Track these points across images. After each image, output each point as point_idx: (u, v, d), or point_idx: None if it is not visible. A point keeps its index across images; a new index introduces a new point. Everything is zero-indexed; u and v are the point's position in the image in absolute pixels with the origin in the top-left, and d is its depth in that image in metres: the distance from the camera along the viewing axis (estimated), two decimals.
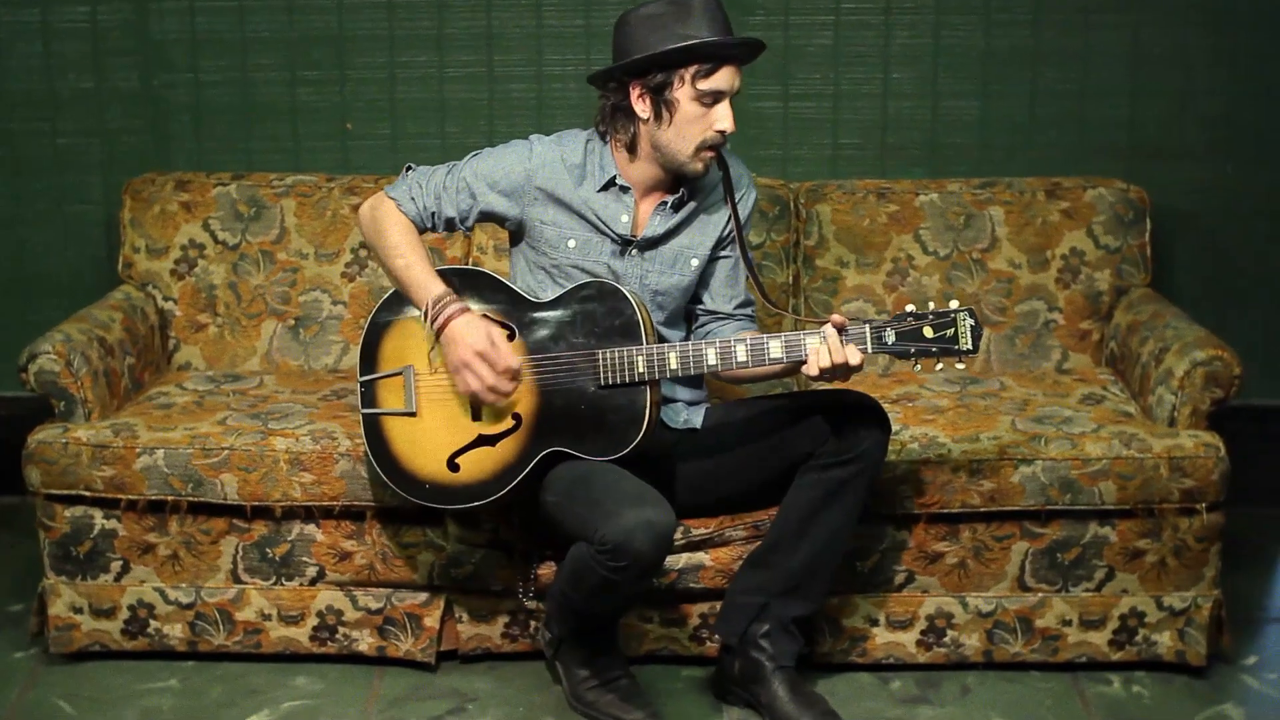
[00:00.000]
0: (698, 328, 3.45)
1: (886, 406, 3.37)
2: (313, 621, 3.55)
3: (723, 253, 3.39)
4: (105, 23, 4.21)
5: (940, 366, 3.12)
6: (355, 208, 3.97)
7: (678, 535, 3.35)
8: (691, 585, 3.46)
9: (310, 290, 4.02)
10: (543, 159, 3.31)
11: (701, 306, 3.43)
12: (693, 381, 3.42)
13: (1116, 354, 3.90)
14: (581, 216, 3.30)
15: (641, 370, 3.18)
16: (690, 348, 3.18)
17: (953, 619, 3.52)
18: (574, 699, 3.37)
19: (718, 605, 3.43)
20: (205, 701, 3.46)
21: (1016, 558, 3.49)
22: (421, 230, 3.33)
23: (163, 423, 3.57)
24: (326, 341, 4.03)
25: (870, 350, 3.11)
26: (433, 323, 3.23)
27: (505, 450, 3.26)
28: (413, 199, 3.32)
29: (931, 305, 3.15)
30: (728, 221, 3.36)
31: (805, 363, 3.12)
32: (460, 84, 4.23)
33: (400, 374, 3.32)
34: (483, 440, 3.27)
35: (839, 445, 3.23)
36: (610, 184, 3.30)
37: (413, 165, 3.38)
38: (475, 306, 3.28)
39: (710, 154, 3.23)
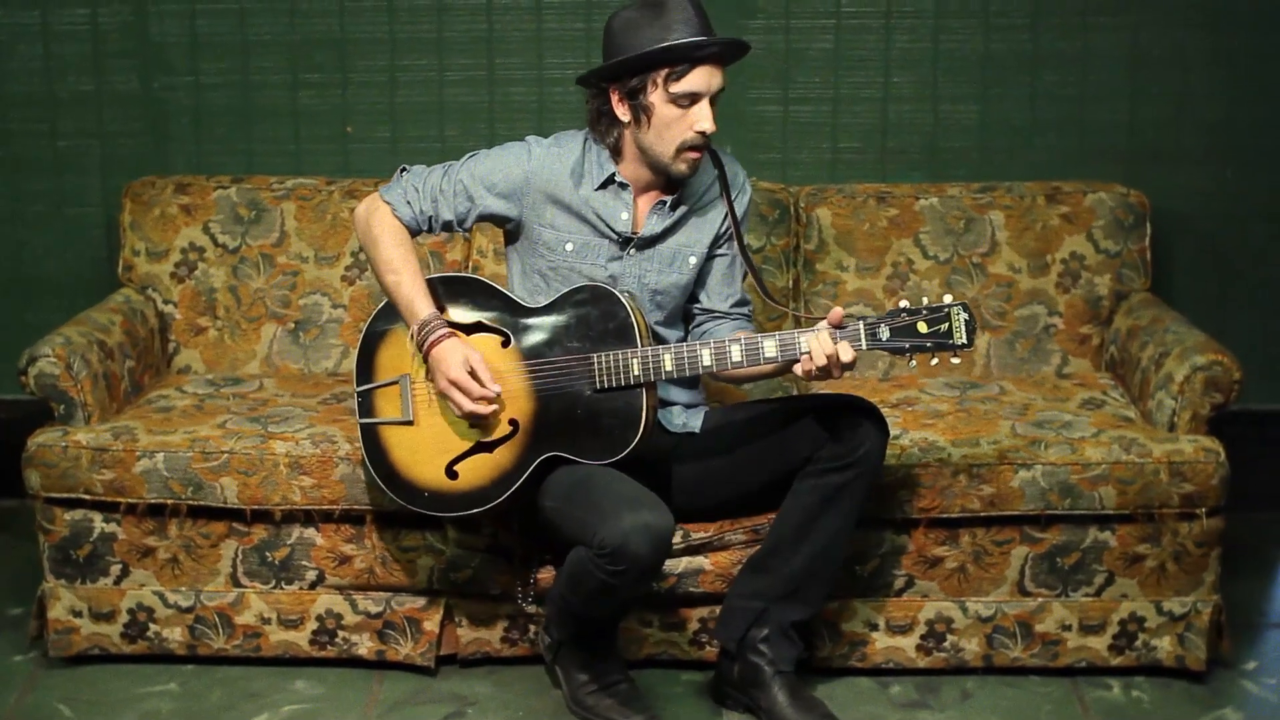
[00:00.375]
0: (694, 327, 3.44)
1: (886, 411, 3.37)
2: (312, 625, 3.55)
3: (719, 251, 3.39)
4: (105, 25, 4.21)
5: (935, 361, 3.11)
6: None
7: (677, 539, 3.35)
8: (691, 589, 3.46)
9: (310, 293, 4.02)
10: (541, 160, 3.30)
11: (698, 305, 3.42)
12: (688, 383, 3.42)
13: (1116, 359, 3.90)
14: (581, 217, 3.30)
15: (637, 373, 3.17)
16: (685, 349, 3.17)
17: (952, 624, 3.52)
18: (573, 703, 3.37)
19: (717, 610, 3.43)
20: (205, 705, 3.45)
21: (1016, 562, 3.49)
22: (417, 233, 3.33)
23: (162, 426, 3.57)
24: (326, 345, 4.02)
25: (865, 347, 3.09)
26: (419, 347, 3.23)
27: (503, 456, 3.25)
28: (408, 203, 3.32)
29: (925, 300, 3.14)
30: (724, 219, 3.36)
31: (799, 361, 3.12)
32: (461, 87, 4.23)
33: (396, 383, 3.32)
34: (480, 447, 3.27)
35: (837, 449, 3.23)
36: (609, 181, 3.29)
37: (407, 166, 3.37)
38: (469, 315, 3.28)
39: (694, 155, 3.22)
